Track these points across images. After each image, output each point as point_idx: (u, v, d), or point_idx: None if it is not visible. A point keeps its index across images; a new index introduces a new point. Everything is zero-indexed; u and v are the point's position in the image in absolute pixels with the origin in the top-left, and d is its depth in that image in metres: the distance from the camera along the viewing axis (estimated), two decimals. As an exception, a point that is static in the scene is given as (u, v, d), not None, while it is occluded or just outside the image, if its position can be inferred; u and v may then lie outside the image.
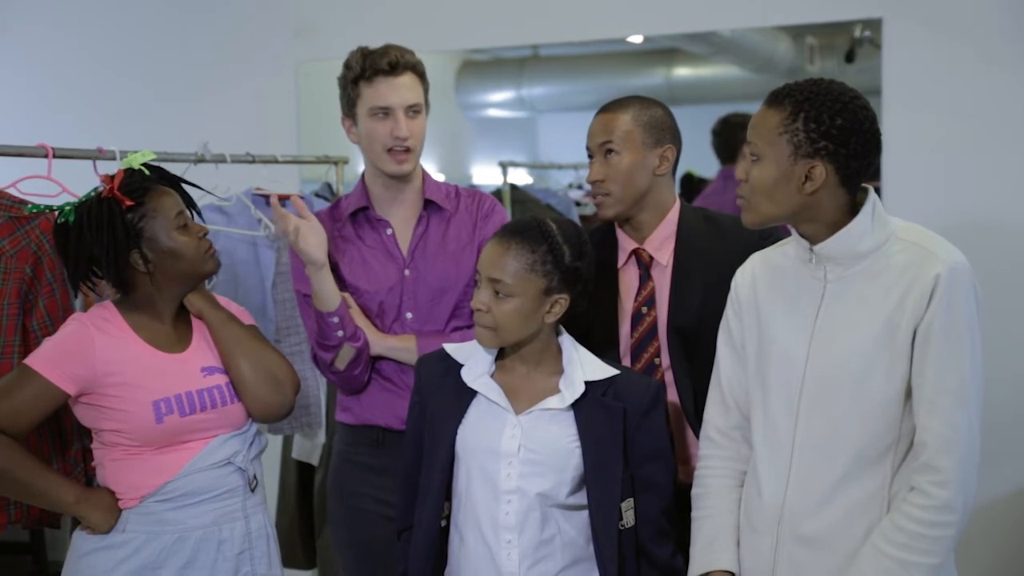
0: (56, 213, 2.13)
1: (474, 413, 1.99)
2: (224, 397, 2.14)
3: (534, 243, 1.94)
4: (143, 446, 2.07)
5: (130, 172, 2.10)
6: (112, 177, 2.08)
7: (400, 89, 2.31)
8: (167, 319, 2.15)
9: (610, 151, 2.20)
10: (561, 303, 1.98)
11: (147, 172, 2.13)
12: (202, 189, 2.41)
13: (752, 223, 1.87)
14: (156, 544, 2.07)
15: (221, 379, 2.15)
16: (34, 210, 2.26)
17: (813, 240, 1.84)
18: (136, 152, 2.15)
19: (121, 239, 2.04)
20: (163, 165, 2.23)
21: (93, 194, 2.09)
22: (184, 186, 2.21)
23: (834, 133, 1.75)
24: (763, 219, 1.85)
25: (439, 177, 2.50)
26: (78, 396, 2.05)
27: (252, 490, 2.18)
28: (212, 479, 2.11)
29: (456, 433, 1.98)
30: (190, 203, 2.20)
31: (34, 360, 2.04)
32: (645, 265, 2.25)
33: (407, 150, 2.32)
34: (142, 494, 2.07)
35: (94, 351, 2.04)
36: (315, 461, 3.27)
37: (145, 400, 2.04)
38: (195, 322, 2.20)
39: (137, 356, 2.08)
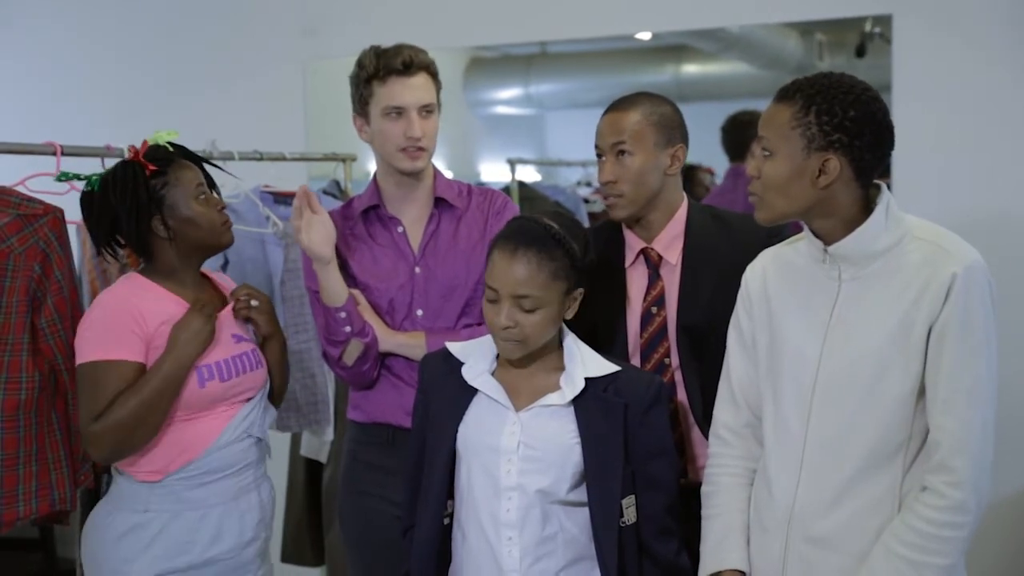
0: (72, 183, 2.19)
1: (475, 411, 1.99)
2: (252, 362, 2.23)
3: (551, 249, 1.92)
4: (175, 413, 2.10)
5: (155, 146, 2.17)
6: (138, 148, 2.16)
7: (414, 89, 2.30)
8: (189, 287, 2.20)
9: (622, 151, 2.17)
10: (578, 298, 1.98)
11: (171, 150, 2.19)
12: (221, 168, 2.42)
13: (765, 220, 1.85)
14: (181, 522, 2.11)
15: (248, 346, 2.24)
16: (63, 178, 2.28)
17: (827, 239, 1.83)
18: (160, 132, 2.22)
19: (144, 202, 2.10)
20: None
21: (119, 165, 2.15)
22: (206, 167, 2.26)
23: (847, 125, 1.74)
24: (776, 215, 1.83)
25: (448, 175, 2.50)
26: (146, 359, 2.08)
27: (268, 455, 2.26)
28: (233, 454, 2.16)
29: (457, 431, 1.99)
30: (211, 183, 2.25)
31: (93, 352, 2.05)
32: (654, 265, 2.23)
33: (420, 149, 2.32)
34: (167, 470, 2.10)
35: (142, 315, 2.08)
36: (323, 458, 3.27)
37: None
38: (218, 291, 2.28)
39: (176, 319, 2.12)
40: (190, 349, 2.08)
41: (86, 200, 2.15)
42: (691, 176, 3.74)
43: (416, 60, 2.31)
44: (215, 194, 2.25)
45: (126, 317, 2.07)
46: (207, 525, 2.13)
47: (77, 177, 2.22)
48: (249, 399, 2.22)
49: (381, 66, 2.30)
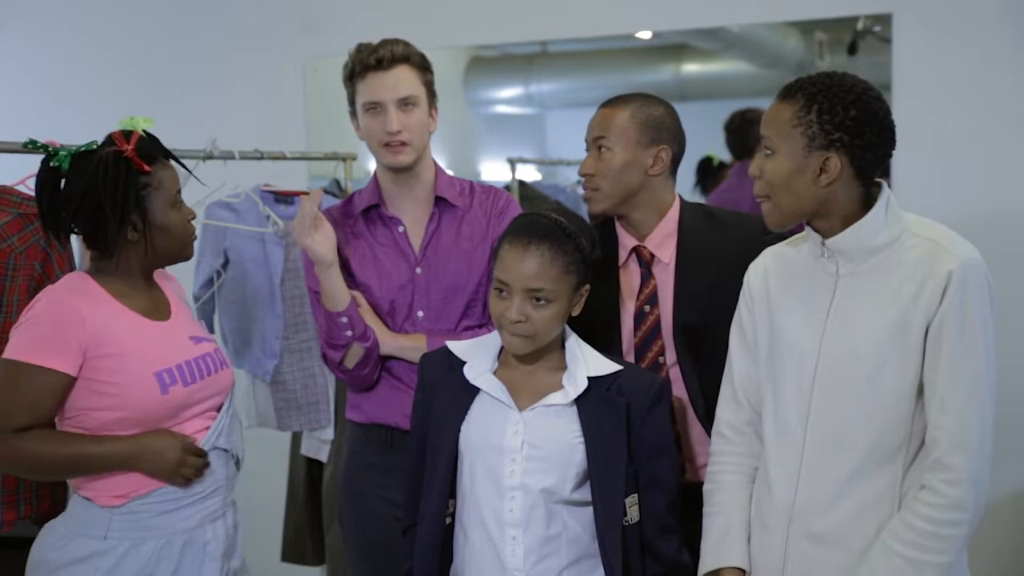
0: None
1: (477, 410, 1.99)
2: (215, 363, 2.12)
3: (563, 244, 1.93)
4: (137, 427, 1.98)
5: (143, 141, 2.04)
6: (127, 138, 2.02)
7: (389, 83, 2.29)
8: (141, 291, 2.08)
9: (602, 147, 2.19)
10: (585, 294, 1.99)
11: (147, 139, 2.07)
12: (191, 173, 2.35)
13: (776, 224, 1.85)
14: (142, 551, 1.99)
15: (209, 347, 2.13)
16: (30, 145, 2.14)
17: (826, 235, 1.83)
18: (136, 118, 2.10)
19: (131, 202, 2.00)
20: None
21: (94, 146, 2.02)
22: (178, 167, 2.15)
23: (848, 124, 1.75)
24: (785, 215, 1.83)
25: (449, 173, 2.49)
26: (77, 373, 1.94)
27: (238, 467, 2.14)
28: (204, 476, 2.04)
29: (459, 430, 1.98)
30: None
31: (18, 351, 1.91)
32: (646, 263, 2.24)
33: (402, 143, 2.30)
34: (131, 493, 1.99)
35: (83, 320, 1.93)
36: (324, 457, 3.27)
37: (146, 372, 1.97)
38: (167, 290, 2.16)
39: (128, 324, 2.00)
40: (142, 463, 1.96)
41: (50, 176, 2.01)
42: (719, 174, 3.74)
43: (393, 54, 2.29)
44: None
45: (69, 323, 1.92)
46: (169, 555, 2.01)
47: (45, 148, 2.07)
48: (218, 407, 2.11)
49: (358, 62, 2.30)
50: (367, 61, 2.29)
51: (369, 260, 2.38)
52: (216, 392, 2.11)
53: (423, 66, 2.35)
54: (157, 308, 2.09)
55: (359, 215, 2.40)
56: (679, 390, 2.19)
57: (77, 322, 1.93)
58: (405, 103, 2.30)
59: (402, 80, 2.30)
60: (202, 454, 2.02)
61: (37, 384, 1.91)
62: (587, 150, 2.24)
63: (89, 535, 1.99)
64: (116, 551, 1.98)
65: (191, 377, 2.04)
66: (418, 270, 2.36)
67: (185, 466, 1.99)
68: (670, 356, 2.20)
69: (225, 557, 2.10)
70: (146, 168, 2.01)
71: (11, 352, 1.92)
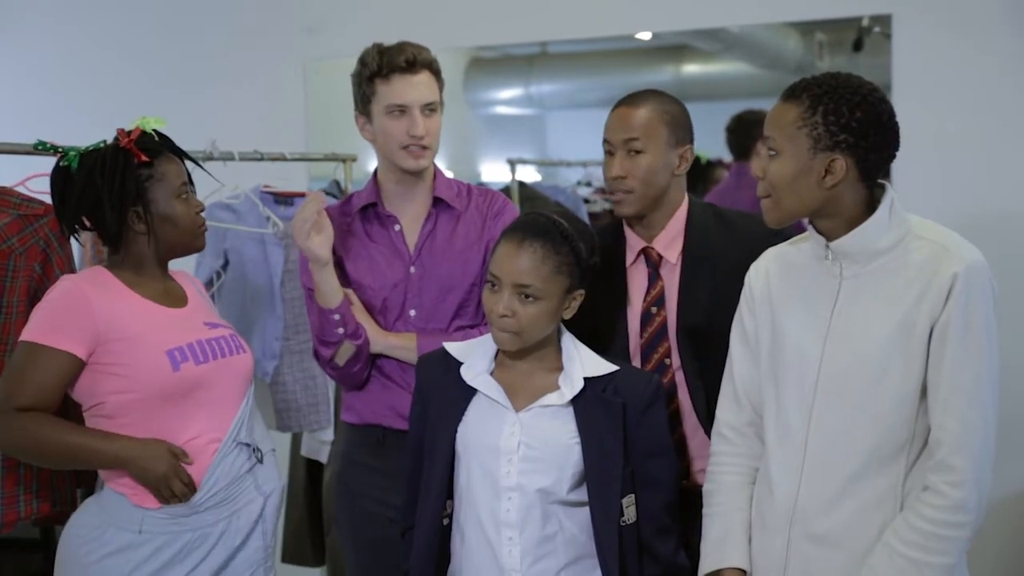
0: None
1: (474, 411, 1.99)
2: (231, 347, 2.14)
3: (557, 244, 1.93)
4: (153, 407, 2.01)
5: (144, 135, 2.09)
6: (129, 132, 2.08)
7: (418, 87, 2.29)
8: (158, 282, 2.13)
9: (633, 148, 2.14)
10: (578, 298, 1.99)
11: (157, 138, 2.12)
12: (203, 168, 2.37)
13: (775, 221, 1.85)
14: (176, 543, 2.03)
15: (225, 331, 2.17)
16: (40, 147, 2.20)
17: (830, 236, 1.83)
18: (148, 118, 2.14)
19: (130, 191, 2.04)
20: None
21: (102, 145, 2.08)
22: (187, 165, 2.19)
23: (854, 126, 1.74)
24: (786, 216, 1.83)
25: (449, 175, 2.49)
26: (87, 358, 1.99)
27: (260, 461, 2.15)
28: (228, 471, 2.07)
29: (456, 431, 1.99)
30: (190, 181, 2.18)
31: (32, 333, 1.99)
32: (654, 264, 2.22)
33: (423, 147, 2.31)
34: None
35: (91, 307, 1.99)
36: (324, 459, 3.27)
37: (157, 350, 2.01)
38: (186, 283, 2.22)
39: (140, 309, 2.05)
40: (131, 468, 1.98)
41: (60, 175, 2.07)
42: (707, 173, 3.74)
43: (419, 58, 2.29)
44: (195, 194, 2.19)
45: (75, 311, 1.98)
46: (201, 544, 2.06)
47: (55, 148, 2.13)
48: (233, 396, 2.12)
49: (384, 64, 2.28)
50: (396, 63, 2.28)
51: (363, 258, 2.38)
52: (232, 375, 2.12)
53: (439, 73, 2.36)
54: (172, 298, 2.14)
55: (356, 214, 2.41)
56: (684, 392, 2.18)
57: (84, 308, 1.99)
58: (429, 108, 2.31)
59: (427, 85, 2.31)
60: (189, 481, 2.01)
61: (46, 364, 1.97)
62: (607, 152, 2.19)
63: (122, 527, 2.02)
64: (150, 544, 2.02)
65: (203, 356, 2.07)
66: (412, 269, 2.36)
67: (169, 485, 1.99)
68: (676, 359, 2.18)
69: (255, 533, 2.13)
70: (144, 159, 2.05)
71: (27, 334, 2.00)
